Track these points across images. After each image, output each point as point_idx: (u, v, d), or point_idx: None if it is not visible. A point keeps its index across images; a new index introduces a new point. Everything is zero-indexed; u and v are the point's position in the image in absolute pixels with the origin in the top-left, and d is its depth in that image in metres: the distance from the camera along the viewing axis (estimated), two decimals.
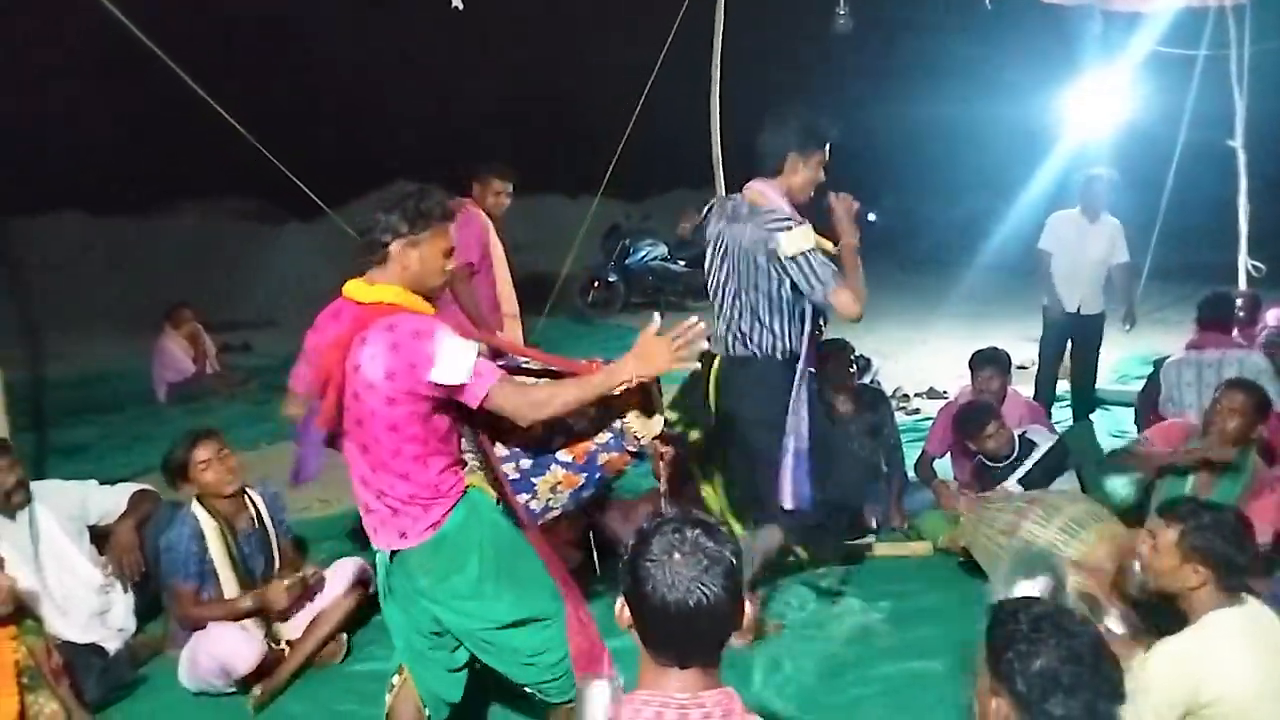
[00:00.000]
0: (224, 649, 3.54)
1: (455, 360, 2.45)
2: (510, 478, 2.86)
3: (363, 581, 3.97)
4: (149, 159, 16.12)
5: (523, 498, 2.89)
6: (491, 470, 2.76)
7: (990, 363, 5.24)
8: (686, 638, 1.67)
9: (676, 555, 1.65)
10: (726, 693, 1.71)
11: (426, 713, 2.88)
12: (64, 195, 14.53)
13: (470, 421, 2.71)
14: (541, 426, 2.75)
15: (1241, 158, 8.41)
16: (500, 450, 2.86)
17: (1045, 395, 6.78)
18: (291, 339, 11.55)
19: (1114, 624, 3.00)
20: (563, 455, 2.89)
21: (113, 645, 3.76)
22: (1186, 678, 2.36)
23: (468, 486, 2.69)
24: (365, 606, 4.02)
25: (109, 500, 4.04)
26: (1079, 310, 6.60)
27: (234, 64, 12.75)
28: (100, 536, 4.03)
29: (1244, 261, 8.48)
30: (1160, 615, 2.79)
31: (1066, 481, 4.49)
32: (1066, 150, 8.91)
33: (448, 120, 18.98)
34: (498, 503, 2.79)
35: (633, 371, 2.63)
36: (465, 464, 2.72)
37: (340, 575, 4.00)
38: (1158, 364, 6.48)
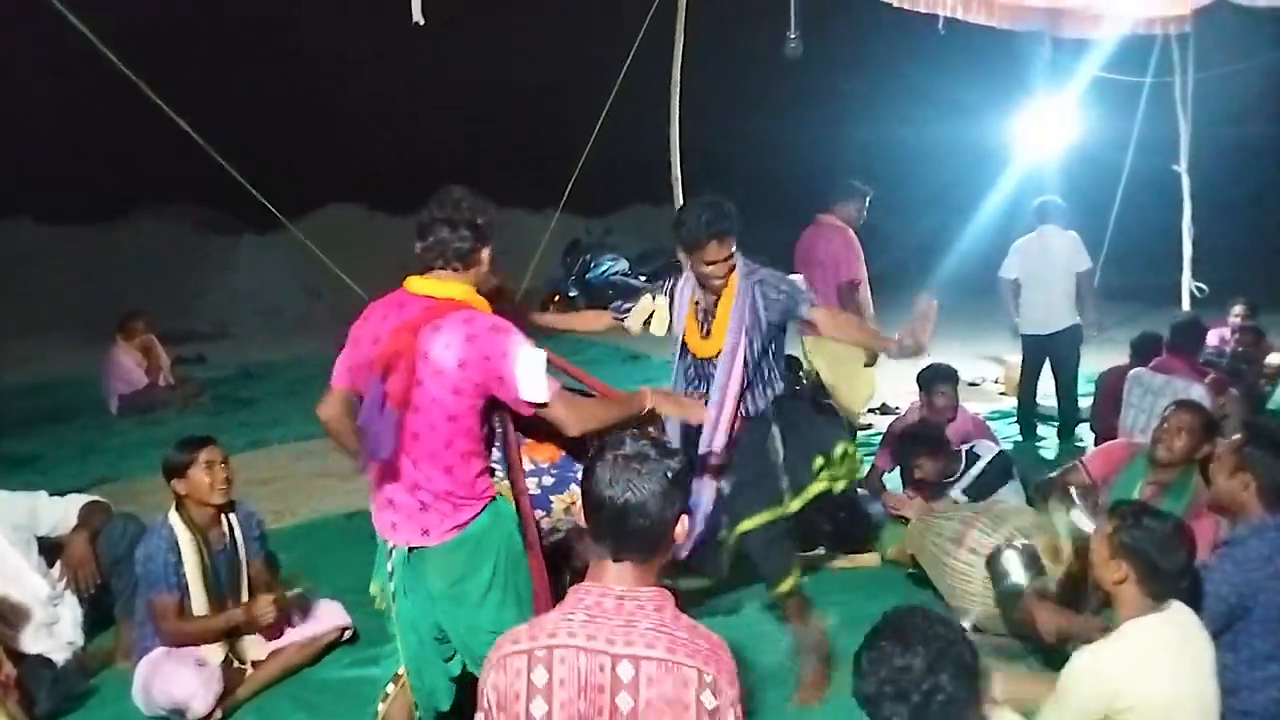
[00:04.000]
0: (180, 692, 3.46)
1: (532, 368, 2.60)
2: (531, 492, 2.92)
3: (342, 628, 4.03)
4: (100, 167, 15.96)
5: (537, 514, 2.94)
6: (515, 481, 2.84)
7: (941, 379, 5.35)
8: (618, 531, 1.91)
9: (622, 460, 1.91)
10: (661, 592, 1.92)
11: (418, 714, 2.90)
12: (13, 202, 14.32)
13: (516, 427, 2.83)
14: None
15: (1186, 182, 8.65)
16: (525, 464, 2.93)
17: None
18: (246, 351, 11.50)
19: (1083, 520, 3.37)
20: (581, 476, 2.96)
21: (60, 657, 3.72)
22: (1106, 684, 2.45)
23: (496, 494, 2.78)
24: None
25: (58, 511, 4.01)
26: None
27: (191, 73, 12.66)
28: (48, 548, 3.99)
29: (1188, 283, 8.72)
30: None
31: (1012, 491, 4.60)
32: (1018, 171, 9.10)
33: (410, 134, 18.97)
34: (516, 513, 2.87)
35: (654, 403, 3.00)
36: (494, 472, 2.82)
37: (324, 617, 4.01)
38: (1101, 378, 6.67)
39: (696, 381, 3.70)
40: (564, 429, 2.72)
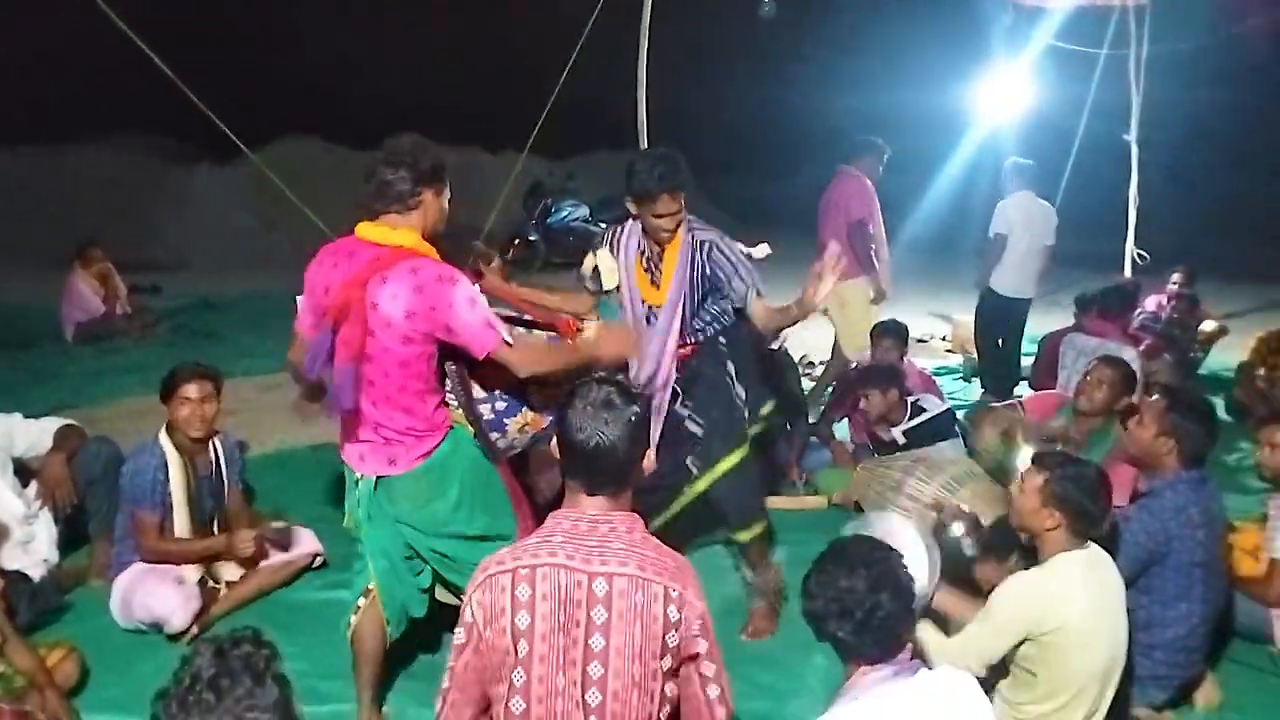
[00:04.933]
0: (161, 607, 3.61)
1: (479, 312, 2.72)
2: (485, 417, 3.07)
3: (313, 554, 4.19)
4: (54, 90, 15.57)
5: (493, 436, 3.10)
6: (470, 409, 2.99)
7: (889, 334, 5.59)
8: (590, 470, 2.12)
9: (589, 408, 2.10)
10: (632, 515, 2.13)
11: (388, 628, 3.07)
12: None
13: (462, 365, 2.94)
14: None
15: (1135, 152, 8.94)
16: (478, 391, 3.06)
17: None
18: (203, 281, 11.41)
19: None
20: (534, 398, 3.13)
21: (35, 574, 3.84)
22: (1033, 608, 2.70)
23: (454, 424, 2.94)
24: None
25: (34, 433, 4.09)
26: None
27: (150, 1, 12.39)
28: (21, 469, 4.08)
29: (1130, 250, 9.04)
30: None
31: (953, 446, 4.85)
32: (976, 136, 9.29)
33: (372, 69, 18.72)
34: (474, 438, 3.02)
35: (606, 353, 3.10)
36: (448, 403, 2.97)
37: (298, 543, 4.16)
38: (1043, 340, 6.94)
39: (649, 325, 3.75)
40: (514, 371, 2.85)
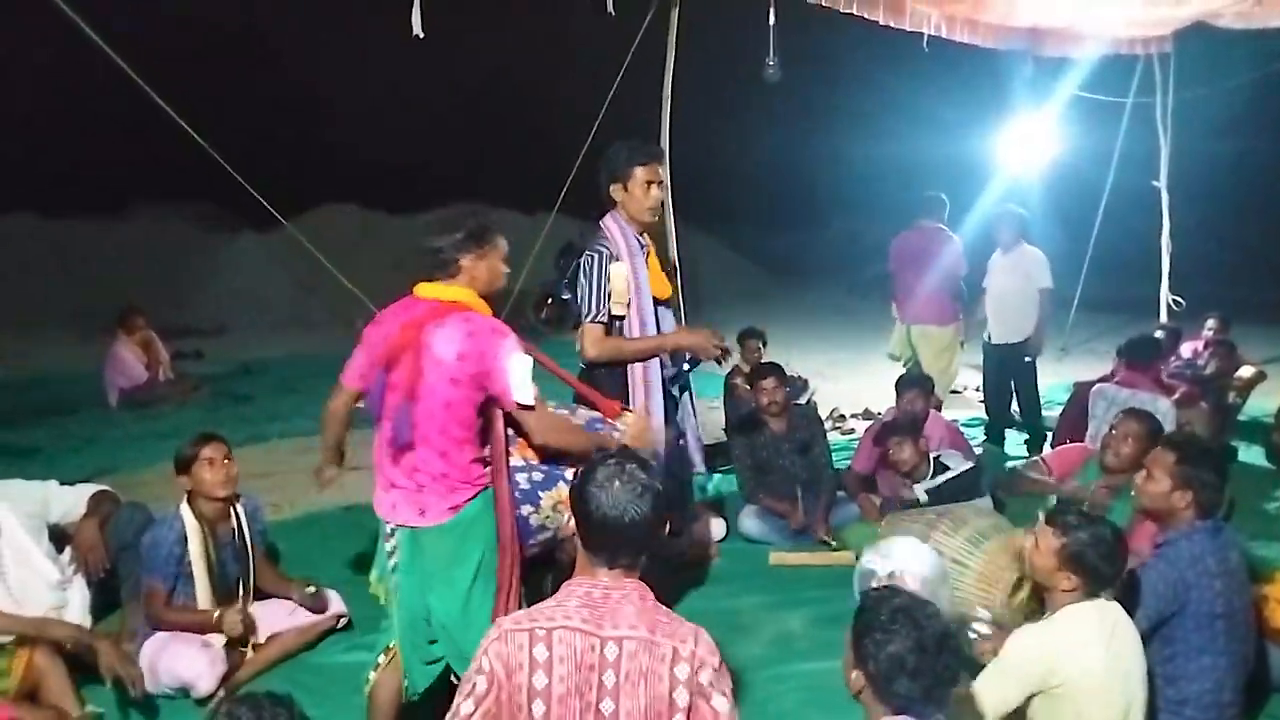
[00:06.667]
0: (187, 671, 3.66)
1: (522, 367, 2.88)
2: (520, 487, 3.11)
3: (339, 615, 4.23)
4: (102, 161, 16.07)
5: (525, 509, 3.11)
6: (496, 478, 3.03)
7: (913, 385, 5.56)
8: (617, 544, 2.17)
9: (616, 483, 2.15)
10: (641, 584, 2.15)
11: (405, 683, 3.06)
12: (14, 196, 14.46)
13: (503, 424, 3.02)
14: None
15: (1165, 198, 8.90)
16: (516, 460, 3.11)
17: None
18: (244, 347, 11.59)
19: (982, 628, 3.35)
20: (569, 474, 3.11)
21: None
22: (1043, 662, 2.68)
23: (488, 484, 2.99)
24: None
25: (69, 500, 4.16)
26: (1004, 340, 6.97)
27: (193, 69, 12.81)
28: (57, 536, 4.16)
29: (1165, 296, 8.96)
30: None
31: (981, 504, 4.78)
32: (1002, 186, 9.29)
33: (408, 136, 19.13)
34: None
35: (630, 440, 3.22)
36: (488, 463, 3.02)
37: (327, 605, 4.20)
38: (1076, 388, 6.87)
39: (657, 324, 4.09)
40: (529, 434, 2.99)
